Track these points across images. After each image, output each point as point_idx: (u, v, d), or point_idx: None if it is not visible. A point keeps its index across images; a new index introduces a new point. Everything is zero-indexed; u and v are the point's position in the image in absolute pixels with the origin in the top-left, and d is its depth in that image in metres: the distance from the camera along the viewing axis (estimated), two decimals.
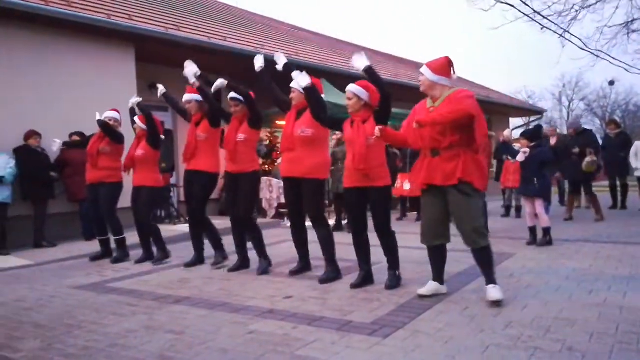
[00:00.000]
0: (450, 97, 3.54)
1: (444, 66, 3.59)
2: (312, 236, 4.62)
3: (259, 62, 4.72)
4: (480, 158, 3.57)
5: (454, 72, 3.63)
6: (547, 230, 5.91)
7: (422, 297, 3.66)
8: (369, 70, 3.94)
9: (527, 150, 6.00)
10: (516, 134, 15.41)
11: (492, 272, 3.54)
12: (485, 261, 3.54)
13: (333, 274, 4.38)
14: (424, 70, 3.61)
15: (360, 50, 4.94)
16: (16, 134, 6.85)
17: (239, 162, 4.84)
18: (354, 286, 4.07)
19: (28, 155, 6.90)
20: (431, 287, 3.73)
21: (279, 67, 4.63)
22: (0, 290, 4.56)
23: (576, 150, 8.22)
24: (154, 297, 4.04)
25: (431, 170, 3.55)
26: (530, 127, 9.83)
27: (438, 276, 3.76)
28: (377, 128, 3.68)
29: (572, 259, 4.99)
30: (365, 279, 4.14)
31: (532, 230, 6.04)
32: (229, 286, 4.34)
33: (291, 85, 4.53)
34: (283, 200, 8.59)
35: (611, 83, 26.84)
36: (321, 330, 3.03)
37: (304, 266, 4.75)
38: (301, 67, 4.57)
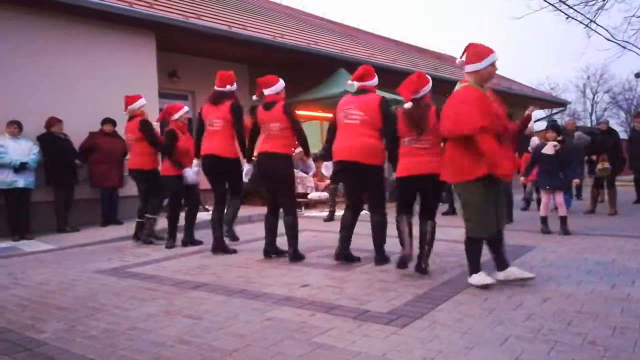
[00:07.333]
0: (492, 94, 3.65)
1: None
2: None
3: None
4: None
5: None
6: (564, 219, 6.12)
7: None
8: None
9: (558, 144, 5.99)
10: (538, 126, 15.09)
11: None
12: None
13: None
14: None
15: (377, 39, 4.91)
16: (38, 121, 6.97)
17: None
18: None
19: (52, 141, 7.01)
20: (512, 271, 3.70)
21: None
22: (24, 274, 4.67)
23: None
24: (173, 283, 4.09)
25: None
26: (551, 120, 9.66)
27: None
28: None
29: (594, 252, 4.90)
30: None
31: (545, 220, 6.27)
32: (247, 273, 4.37)
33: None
34: (300, 190, 8.60)
35: (637, 75, 26.01)
36: (338, 319, 3.04)
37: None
38: (320, 56, 4.49)
